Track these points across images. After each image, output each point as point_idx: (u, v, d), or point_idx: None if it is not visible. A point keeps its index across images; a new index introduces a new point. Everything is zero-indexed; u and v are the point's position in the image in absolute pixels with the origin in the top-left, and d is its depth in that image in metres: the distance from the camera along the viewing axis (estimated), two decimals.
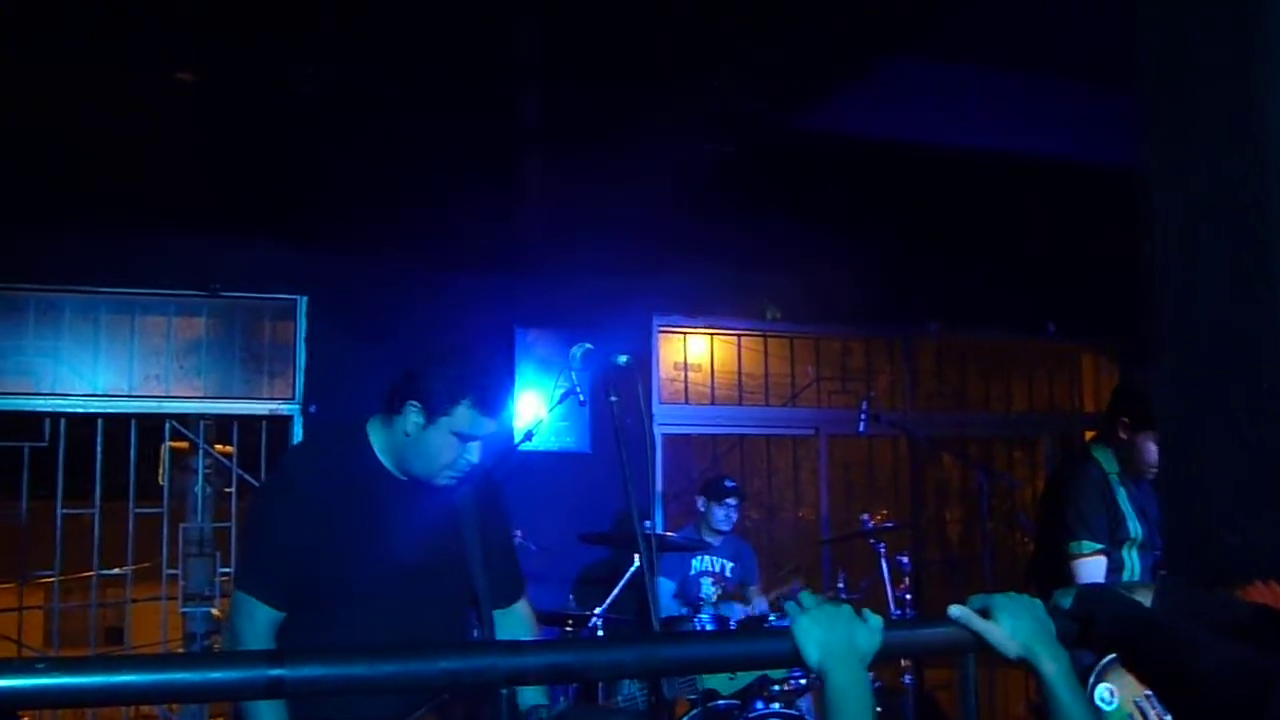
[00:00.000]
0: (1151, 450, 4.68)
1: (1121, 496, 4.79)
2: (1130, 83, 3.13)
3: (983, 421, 9.60)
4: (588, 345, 3.94)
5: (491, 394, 3.39)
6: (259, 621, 3.35)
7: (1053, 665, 2.19)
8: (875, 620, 2.21)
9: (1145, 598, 2.34)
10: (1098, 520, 4.74)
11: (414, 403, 3.35)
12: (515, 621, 3.73)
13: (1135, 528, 4.76)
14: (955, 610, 2.27)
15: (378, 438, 3.49)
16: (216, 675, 1.83)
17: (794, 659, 2.15)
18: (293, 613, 3.38)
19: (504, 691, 1.97)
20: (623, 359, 3.82)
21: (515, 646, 1.93)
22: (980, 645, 2.24)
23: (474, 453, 3.42)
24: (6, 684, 1.72)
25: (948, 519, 9.65)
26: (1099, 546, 4.67)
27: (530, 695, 3.37)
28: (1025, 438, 9.98)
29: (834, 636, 2.15)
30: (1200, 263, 2.88)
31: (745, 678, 6.22)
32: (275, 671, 1.84)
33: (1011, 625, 2.21)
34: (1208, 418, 2.84)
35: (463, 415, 3.34)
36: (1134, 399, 4.81)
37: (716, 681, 6.28)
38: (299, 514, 3.38)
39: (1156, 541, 4.78)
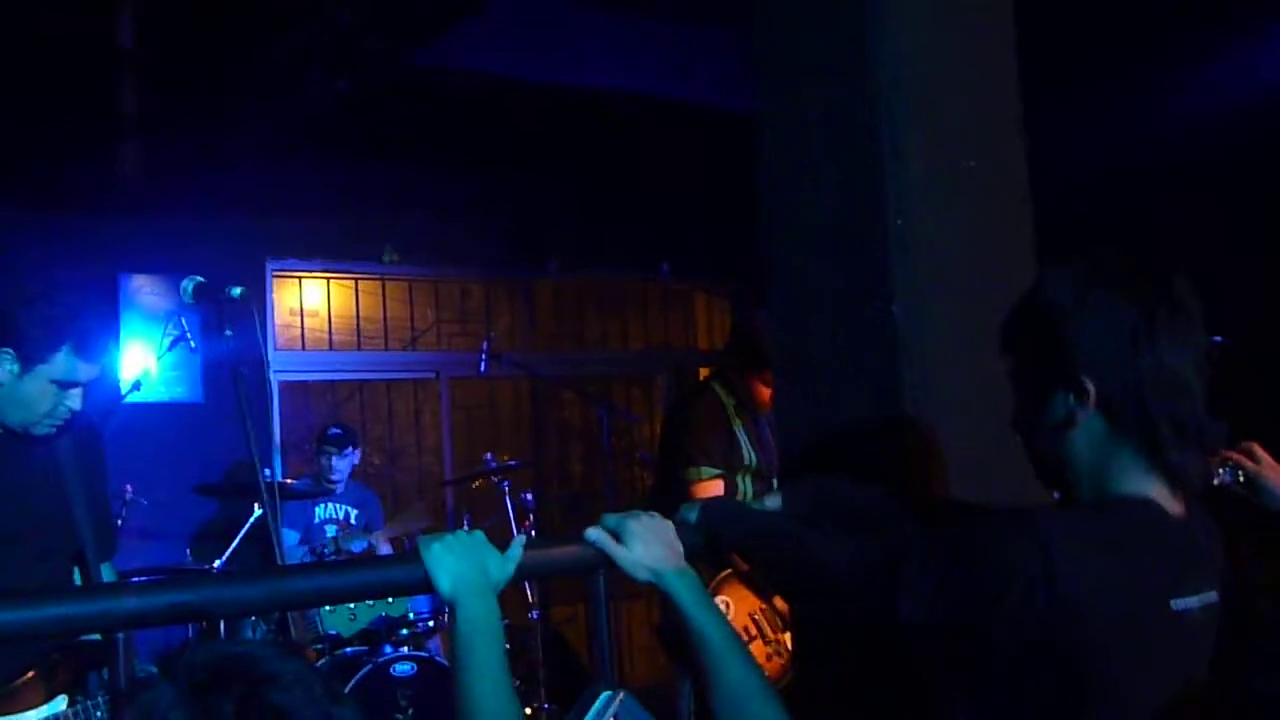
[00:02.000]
0: (762, 391, 4.87)
1: (737, 426, 4.96)
2: (743, 23, 3.22)
3: (601, 360, 9.77)
4: (199, 279, 3.79)
5: (92, 338, 3.23)
6: None
7: (681, 584, 2.23)
8: (513, 549, 2.21)
9: (774, 503, 2.42)
10: (715, 447, 4.89)
11: (7, 350, 3.16)
12: (109, 578, 3.59)
13: (751, 455, 4.93)
14: (591, 533, 2.29)
15: None
16: None
17: (425, 586, 2.13)
18: None
19: (120, 640, 1.86)
20: (238, 291, 3.71)
21: (132, 587, 1.83)
22: (610, 564, 2.27)
23: (75, 400, 3.26)
24: None
25: (570, 456, 9.79)
26: (716, 472, 4.81)
27: None
28: (642, 376, 10.22)
29: (466, 565, 2.13)
30: (814, 193, 2.98)
31: (366, 618, 6.17)
32: None
33: (640, 548, 2.24)
34: (822, 344, 2.96)
35: (62, 362, 3.17)
36: (748, 342, 4.97)
37: (338, 624, 6.21)
38: None
39: (772, 469, 4.97)
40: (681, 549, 2.28)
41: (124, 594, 1.86)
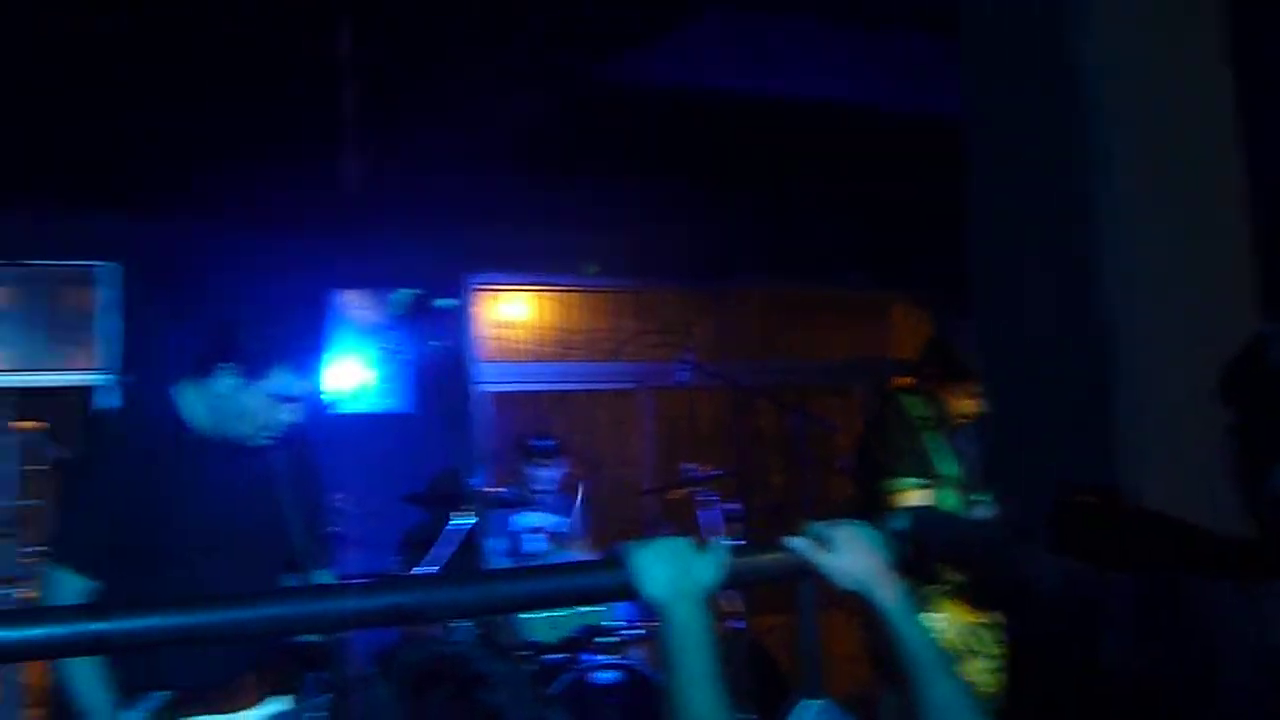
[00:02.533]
0: (956, 403, 4.81)
1: (930, 437, 4.90)
2: (948, 31, 3.18)
3: (799, 369, 9.73)
4: (411, 292, 3.90)
5: (308, 355, 3.38)
6: (68, 593, 3.26)
7: (889, 596, 2.20)
8: (720, 555, 2.20)
9: (984, 513, 2.38)
10: (909, 457, 4.85)
11: (229, 365, 3.29)
12: None
13: (947, 466, 4.87)
14: (795, 541, 2.27)
15: (191, 401, 3.42)
16: (36, 632, 1.73)
17: (633, 593, 2.14)
18: (109, 584, 3.29)
19: (340, 640, 1.92)
20: (447, 303, 3.80)
21: (352, 589, 1.89)
22: (817, 572, 2.25)
23: (291, 413, 3.38)
24: None
25: (771, 466, 9.75)
26: (914, 481, 4.77)
27: None
28: (841, 386, 10.14)
29: (674, 571, 2.13)
30: (1022, 198, 2.94)
31: (568, 625, 6.22)
32: (98, 625, 1.75)
33: (847, 557, 2.22)
34: (1030, 351, 2.91)
35: (279, 377, 3.30)
36: (943, 352, 4.93)
37: (540, 631, 6.28)
38: (111, 483, 3.31)
39: (972, 481, 4.90)
40: (888, 558, 2.26)
41: (344, 596, 1.92)
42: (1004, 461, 3.01)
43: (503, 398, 8.82)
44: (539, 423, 8.82)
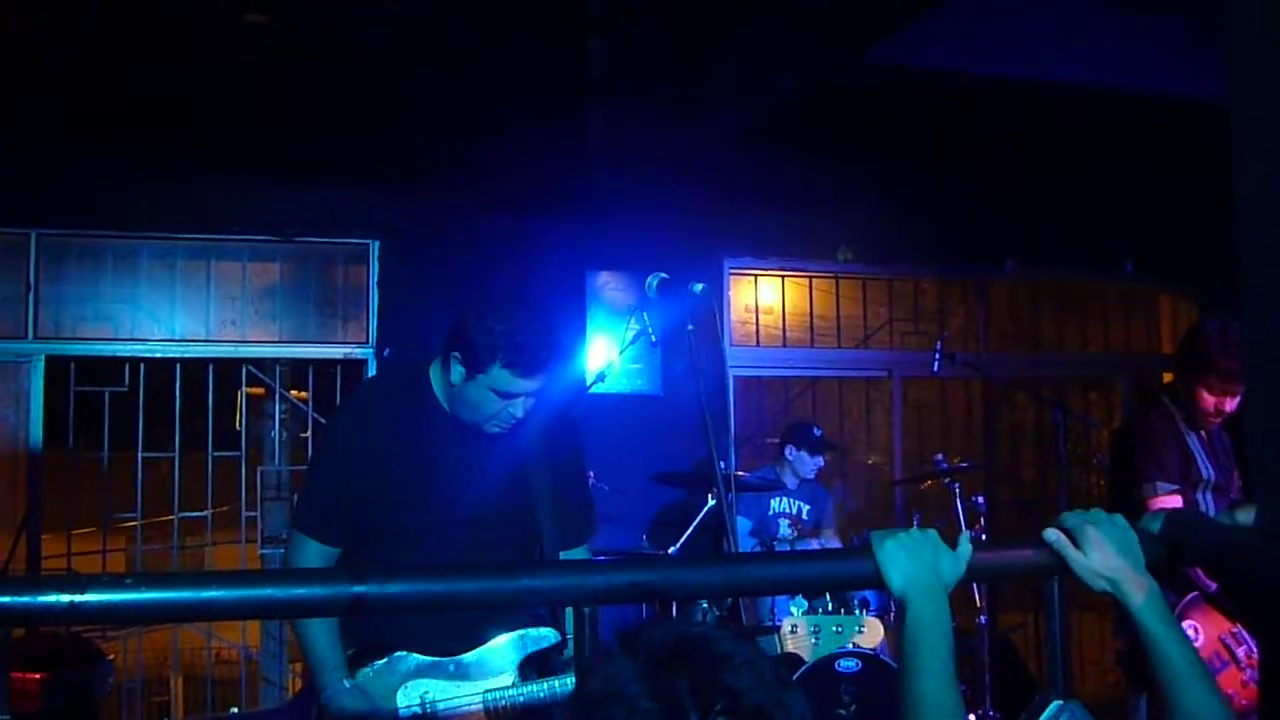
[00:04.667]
0: (1205, 399, 4.62)
1: (1192, 440, 4.73)
2: (1216, 16, 3.07)
3: (1057, 363, 9.49)
4: (663, 274, 3.91)
5: (527, 355, 3.27)
6: (310, 557, 3.39)
7: (1141, 596, 2.14)
8: (964, 547, 2.18)
9: (1245, 517, 2.29)
10: (1171, 462, 4.68)
11: (456, 355, 3.32)
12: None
13: (1208, 470, 4.70)
14: (1049, 534, 2.23)
15: (437, 381, 3.48)
16: (300, 591, 1.84)
17: (876, 582, 2.13)
18: (355, 552, 3.41)
19: (586, 614, 1.96)
20: (699, 287, 3.80)
21: (598, 566, 1.93)
22: (1065, 569, 2.20)
23: (518, 408, 3.35)
24: (97, 598, 1.74)
25: (1022, 460, 9.56)
26: (1174, 487, 4.61)
27: None
28: (1100, 380, 9.87)
29: (919, 563, 2.12)
30: None
31: (828, 647, 6.11)
32: (358, 588, 1.85)
33: (1098, 556, 2.17)
34: None
35: (497, 375, 3.27)
36: (1189, 347, 4.73)
37: (801, 649, 6.23)
38: (358, 452, 3.40)
39: (1231, 484, 4.73)
40: (1142, 558, 2.19)
41: (589, 571, 1.96)
42: (1267, 464, 2.89)
43: (753, 382, 8.85)
44: (787, 408, 8.83)
